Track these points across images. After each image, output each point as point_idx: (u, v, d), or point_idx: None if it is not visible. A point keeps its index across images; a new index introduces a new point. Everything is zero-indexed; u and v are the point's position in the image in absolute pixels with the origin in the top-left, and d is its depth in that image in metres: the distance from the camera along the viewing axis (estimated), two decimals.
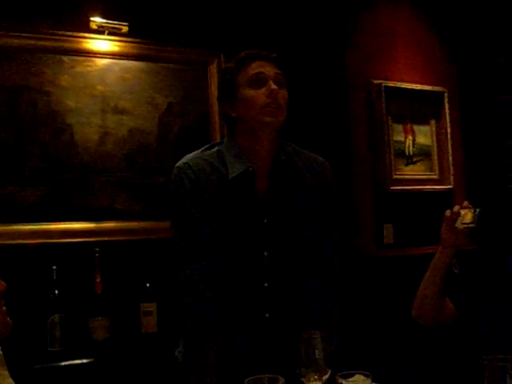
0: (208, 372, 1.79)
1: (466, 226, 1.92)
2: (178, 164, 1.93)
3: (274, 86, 1.84)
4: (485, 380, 1.16)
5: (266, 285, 1.91)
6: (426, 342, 3.29)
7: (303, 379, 1.49)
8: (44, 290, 2.69)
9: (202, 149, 1.98)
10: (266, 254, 1.90)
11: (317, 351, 1.48)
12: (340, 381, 1.35)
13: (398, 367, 2.95)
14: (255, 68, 1.86)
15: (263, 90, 1.83)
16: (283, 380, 1.10)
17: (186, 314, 1.89)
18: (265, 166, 1.92)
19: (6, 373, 1.45)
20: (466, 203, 1.96)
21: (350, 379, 1.35)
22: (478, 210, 1.93)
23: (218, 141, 2.18)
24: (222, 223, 1.87)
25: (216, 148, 1.96)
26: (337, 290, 1.98)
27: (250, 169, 1.88)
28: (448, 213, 1.95)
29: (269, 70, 1.87)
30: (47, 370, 2.46)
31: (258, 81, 1.85)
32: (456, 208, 1.95)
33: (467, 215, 1.92)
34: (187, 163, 1.91)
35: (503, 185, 4.06)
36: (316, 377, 1.48)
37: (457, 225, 1.93)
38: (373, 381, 1.36)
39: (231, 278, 1.89)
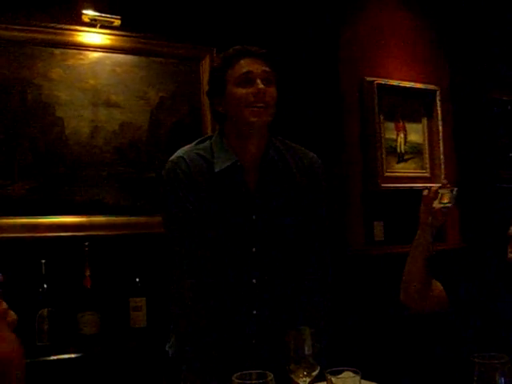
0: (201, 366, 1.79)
1: (443, 205, 1.93)
2: (172, 158, 1.94)
3: (261, 86, 1.83)
4: (474, 378, 1.16)
5: (254, 281, 1.91)
6: (416, 338, 3.30)
7: (292, 375, 1.49)
8: (33, 283, 2.67)
9: (195, 142, 1.99)
10: (254, 249, 1.91)
11: (306, 347, 1.48)
12: (329, 377, 1.34)
13: (387, 364, 2.96)
14: (244, 66, 1.85)
15: (251, 89, 1.83)
16: (272, 376, 1.10)
17: (177, 311, 1.88)
18: (254, 162, 1.92)
19: None
20: (444, 182, 1.98)
21: (338, 376, 1.34)
22: (455, 189, 1.94)
23: (210, 134, 2.17)
24: (212, 217, 1.87)
25: (208, 141, 1.97)
26: (326, 285, 1.98)
27: (238, 163, 1.88)
28: (426, 192, 1.96)
29: (257, 68, 1.86)
30: (35, 365, 2.44)
31: (247, 80, 1.84)
32: (434, 187, 1.96)
33: (445, 195, 1.93)
34: (181, 157, 1.91)
35: (494, 183, 4.07)
36: (305, 373, 1.48)
37: (434, 204, 1.94)
38: (362, 378, 1.36)
39: (220, 274, 1.88)
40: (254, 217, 1.90)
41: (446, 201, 1.92)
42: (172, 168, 1.90)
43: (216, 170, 1.87)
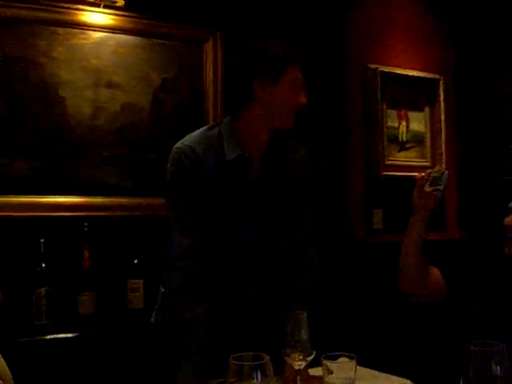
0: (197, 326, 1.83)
1: (433, 188, 1.95)
2: (179, 145, 1.94)
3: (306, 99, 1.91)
4: (470, 365, 1.16)
5: (252, 262, 1.97)
6: (414, 325, 3.31)
7: (288, 359, 1.50)
8: (31, 263, 2.68)
9: (205, 128, 2.00)
10: (254, 234, 1.96)
11: (302, 331, 1.49)
12: (325, 362, 1.35)
13: (384, 350, 2.97)
14: (297, 72, 1.89)
15: (299, 98, 1.89)
16: (268, 357, 1.10)
17: (171, 280, 1.91)
18: (258, 154, 1.95)
19: None
20: (437, 167, 2.00)
21: (335, 361, 1.35)
22: (446, 172, 1.96)
23: (217, 121, 2.20)
24: (214, 201, 1.90)
25: (217, 129, 1.97)
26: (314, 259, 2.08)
27: (246, 154, 1.91)
28: (419, 176, 1.99)
29: (302, 77, 1.92)
30: (33, 343, 2.46)
31: (298, 86, 1.89)
32: (426, 172, 1.98)
33: (436, 178, 1.96)
34: (189, 145, 1.91)
35: (495, 174, 4.07)
36: (301, 357, 1.49)
37: (425, 188, 1.96)
38: (358, 363, 1.37)
39: (219, 256, 1.94)
40: (255, 203, 1.94)
41: (436, 184, 1.95)
42: (179, 153, 1.92)
43: (227, 159, 1.89)
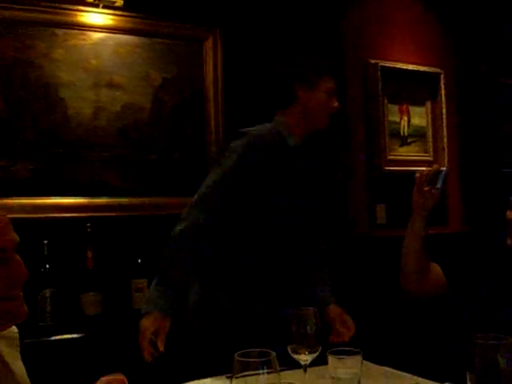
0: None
1: (431, 186, 1.96)
2: (239, 143, 2.15)
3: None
4: (476, 358, 1.16)
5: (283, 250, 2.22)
6: (418, 320, 3.31)
7: (294, 355, 1.50)
8: (35, 264, 2.67)
9: (259, 125, 2.25)
10: (293, 220, 2.24)
11: (308, 327, 1.49)
12: (331, 357, 1.35)
13: (389, 345, 2.96)
14: (331, 81, 2.25)
15: (334, 103, 2.24)
16: (274, 353, 1.10)
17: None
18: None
19: (18, 355, 1.45)
20: (435, 166, 2.01)
21: (340, 356, 1.34)
22: (444, 170, 1.99)
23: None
24: (269, 189, 2.17)
25: (270, 124, 2.27)
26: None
27: (298, 143, 2.26)
28: (418, 175, 2.00)
29: (335, 86, 2.27)
30: (38, 345, 2.45)
31: (331, 92, 2.23)
32: (425, 171, 1.99)
33: (434, 177, 1.97)
34: (259, 134, 2.18)
35: (497, 167, 4.06)
36: (307, 352, 1.49)
37: (423, 187, 1.97)
38: (364, 358, 1.37)
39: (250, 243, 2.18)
40: (296, 193, 2.23)
41: (434, 182, 1.98)
42: (248, 145, 2.13)
43: (290, 145, 2.23)
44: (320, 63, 2.29)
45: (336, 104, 2.24)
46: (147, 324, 1.99)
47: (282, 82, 2.28)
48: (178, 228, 2.08)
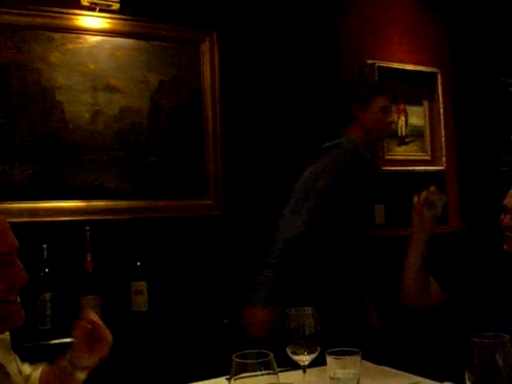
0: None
1: (431, 211, 2.00)
2: (346, 156, 2.49)
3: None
4: (474, 357, 1.16)
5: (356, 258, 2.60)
6: (415, 319, 3.31)
7: (292, 356, 1.50)
8: (34, 268, 2.67)
9: (335, 142, 2.54)
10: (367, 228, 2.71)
11: (307, 328, 1.49)
12: (329, 358, 1.35)
13: (389, 345, 2.96)
14: (386, 100, 2.62)
15: (388, 118, 2.64)
16: (272, 355, 1.10)
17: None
18: None
19: (10, 356, 1.45)
20: (432, 189, 2.00)
21: (339, 357, 1.35)
22: (443, 198, 2.04)
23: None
24: (357, 202, 2.49)
25: (344, 139, 2.57)
26: None
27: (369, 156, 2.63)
28: (415, 200, 2.00)
29: (390, 104, 2.68)
30: (38, 349, 2.45)
31: (384, 109, 2.61)
32: (423, 195, 1.99)
33: (434, 203, 1.99)
34: (352, 159, 2.49)
35: (495, 166, 4.06)
36: (305, 353, 1.49)
37: (424, 211, 1.98)
38: (362, 358, 1.37)
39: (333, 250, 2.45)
40: (371, 201, 2.76)
41: (435, 209, 2.01)
42: (346, 160, 2.46)
43: (367, 158, 2.58)
44: (372, 85, 2.73)
45: (390, 119, 2.63)
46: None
47: (341, 103, 2.67)
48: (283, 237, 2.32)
